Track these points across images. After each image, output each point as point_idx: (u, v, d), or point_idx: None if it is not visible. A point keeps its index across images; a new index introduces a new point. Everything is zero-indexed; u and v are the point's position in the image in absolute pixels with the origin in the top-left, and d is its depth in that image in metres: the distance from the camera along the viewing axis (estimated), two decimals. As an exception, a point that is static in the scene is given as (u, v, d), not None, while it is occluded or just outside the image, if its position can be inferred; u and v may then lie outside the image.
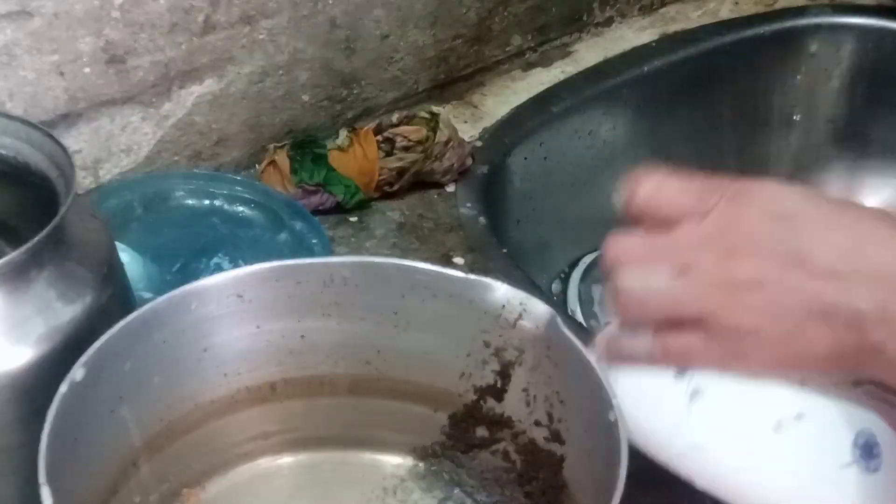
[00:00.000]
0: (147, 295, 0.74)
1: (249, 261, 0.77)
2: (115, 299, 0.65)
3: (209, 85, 0.91)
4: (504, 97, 1.11)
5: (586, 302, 1.11)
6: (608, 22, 1.23)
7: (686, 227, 0.53)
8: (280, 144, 0.95)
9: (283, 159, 0.92)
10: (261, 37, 0.92)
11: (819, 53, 1.24)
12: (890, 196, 1.27)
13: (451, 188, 0.97)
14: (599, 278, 1.14)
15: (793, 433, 0.53)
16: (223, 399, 0.68)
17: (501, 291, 0.65)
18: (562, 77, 1.14)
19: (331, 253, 0.86)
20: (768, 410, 0.54)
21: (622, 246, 0.56)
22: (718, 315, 0.52)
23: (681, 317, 0.53)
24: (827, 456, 0.53)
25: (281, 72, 0.95)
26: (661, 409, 0.56)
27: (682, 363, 0.55)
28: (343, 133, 0.94)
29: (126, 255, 0.75)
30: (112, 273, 0.65)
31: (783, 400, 0.54)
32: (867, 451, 0.53)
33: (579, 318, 1.08)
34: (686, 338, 0.54)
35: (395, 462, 0.72)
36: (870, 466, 0.53)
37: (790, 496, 0.54)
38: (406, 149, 0.94)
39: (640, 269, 0.54)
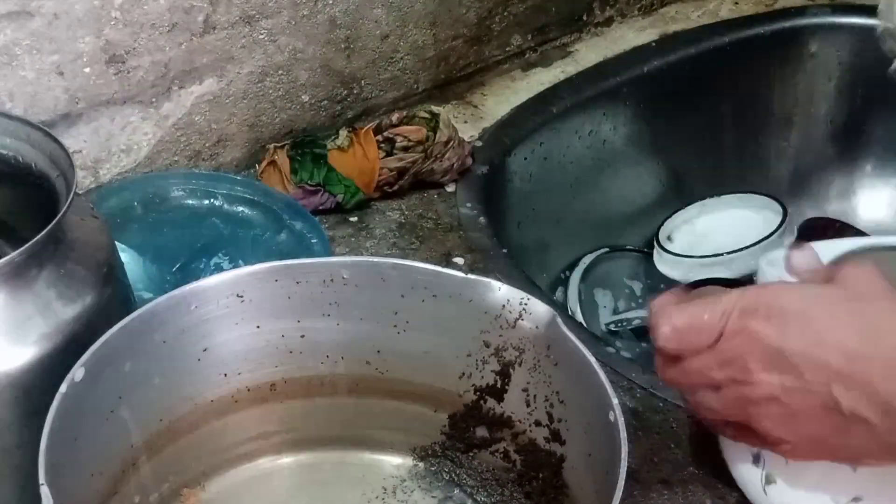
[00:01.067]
0: (147, 295, 0.74)
1: (249, 261, 0.77)
2: (115, 299, 0.65)
3: (209, 85, 0.91)
4: (504, 97, 1.11)
5: (586, 302, 1.11)
6: (608, 22, 1.23)
7: (706, 354, 0.57)
8: (280, 144, 0.95)
9: (283, 159, 0.92)
10: (261, 37, 0.92)
11: (819, 53, 1.24)
12: (890, 196, 1.27)
13: (451, 188, 0.97)
14: (599, 279, 1.14)
15: None
16: (223, 399, 0.68)
17: (501, 291, 0.65)
18: (562, 77, 1.14)
19: (331, 253, 0.86)
20: (828, 495, 0.60)
21: (669, 376, 0.61)
22: (752, 424, 0.58)
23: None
24: None
25: (281, 72, 0.95)
26: (748, 494, 0.64)
27: (752, 445, 0.62)
28: (343, 133, 0.94)
29: (126, 255, 0.75)
30: (112, 273, 0.65)
31: (841, 485, 0.59)
32: None
33: (579, 318, 1.08)
34: (745, 433, 0.59)
35: (395, 462, 0.72)
36: None
37: None
38: (406, 149, 0.94)
39: (690, 388, 0.61)
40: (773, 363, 0.55)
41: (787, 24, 1.24)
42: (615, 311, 1.14)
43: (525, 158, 1.06)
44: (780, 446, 0.58)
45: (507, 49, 1.15)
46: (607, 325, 1.10)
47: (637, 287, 1.16)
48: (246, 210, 0.90)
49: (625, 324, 1.09)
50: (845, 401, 0.53)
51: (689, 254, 1.10)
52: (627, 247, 1.18)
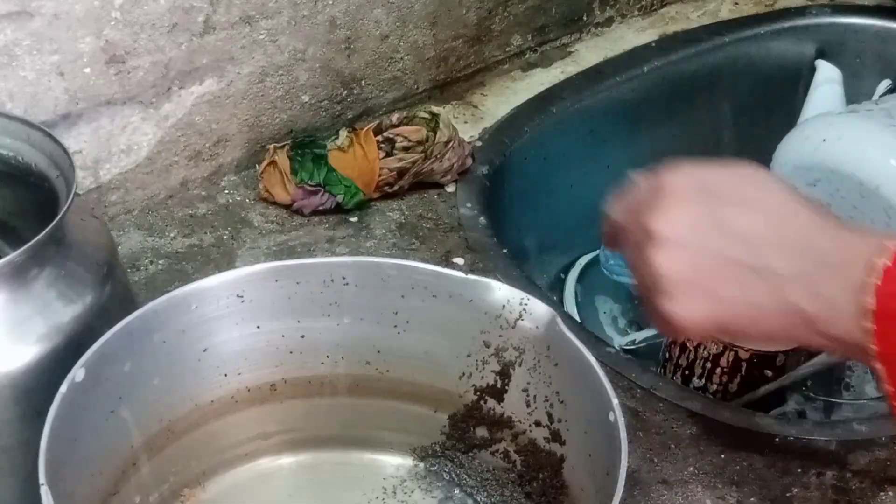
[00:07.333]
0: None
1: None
2: (115, 299, 0.65)
3: (209, 85, 0.91)
4: (504, 97, 1.11)
5: (583, 302, 1.11)
6: (608, 22, 1.23)
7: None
8: (280, 144, 0.95)
9: (283, 159, 0.92)
10: (261, 37, 0.92)
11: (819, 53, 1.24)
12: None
13: (451, 188, 0.97)
14: (595, 280, 1.14)
15: None
16: (223, 399, 0.68)
17: (501, 291, 0.65)
18: (562, 77, 1.14)
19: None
20: None
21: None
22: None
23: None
24: None
25: (281, 72, 0.95)
26: None
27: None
28: (343, 133, 0.94)
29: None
30: (112, 273, 0.65)
31: None
32: None
33: (577, 318, 1.08)
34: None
35: (395, 462, 0.72)
36: None
37: None
38: (406, 149, 0.94)
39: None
40: (685, 211, 0.57)
41: (787, 24, 1.24)
42: (614, 319, 1.14)
43: (525, 158, 1.06)
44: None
45: (507, 49, 1.15)
46: (622, 346, 1.09)
47: (634, 288, 1.16)
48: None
49: (639, 342, 1.09)
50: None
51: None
52: (624, 247, 1.17)
